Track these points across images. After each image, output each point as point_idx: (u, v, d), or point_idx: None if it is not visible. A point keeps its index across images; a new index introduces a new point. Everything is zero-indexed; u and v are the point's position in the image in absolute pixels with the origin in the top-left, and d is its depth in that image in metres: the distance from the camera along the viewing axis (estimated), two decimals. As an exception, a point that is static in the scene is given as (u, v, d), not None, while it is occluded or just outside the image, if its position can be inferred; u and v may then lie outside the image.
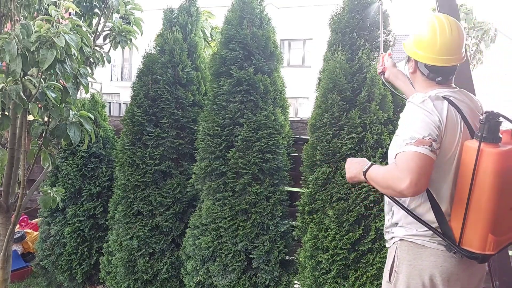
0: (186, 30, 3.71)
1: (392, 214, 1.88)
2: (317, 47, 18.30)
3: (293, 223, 3.21)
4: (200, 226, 3.34)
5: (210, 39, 4.34)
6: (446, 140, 1.67)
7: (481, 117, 1.63)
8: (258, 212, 3.17)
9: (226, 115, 3.27)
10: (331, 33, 3.11)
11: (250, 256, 3.18)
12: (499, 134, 1.62)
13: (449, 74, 1.81)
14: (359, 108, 2.87)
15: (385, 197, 1.90)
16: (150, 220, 3.52)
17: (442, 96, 1.72)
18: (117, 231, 3.63)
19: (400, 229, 1.83)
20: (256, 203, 3.18)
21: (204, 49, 3.95)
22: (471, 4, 8.10)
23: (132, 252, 3.52)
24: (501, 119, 1.65)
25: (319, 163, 2.96)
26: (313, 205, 2.96)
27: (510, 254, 2.74)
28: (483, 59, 8.60)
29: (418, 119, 1.65)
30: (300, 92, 17.10)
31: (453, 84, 1.87)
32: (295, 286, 3.30)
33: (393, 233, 1.87)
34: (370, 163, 1.78)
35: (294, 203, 3.16)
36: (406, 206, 1.78)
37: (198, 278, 3.33)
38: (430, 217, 1.74)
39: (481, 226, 1.62)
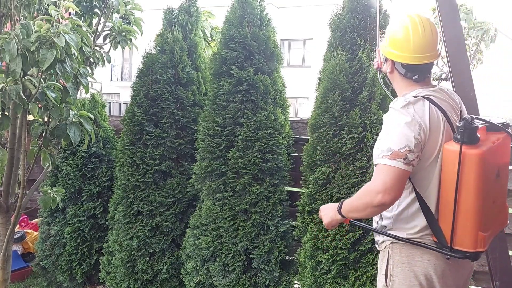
0: (186, 30, 3.71)
1: (381, 217, 1.88)
2: (317, 47, 18.29)
3: (293, 223, 3.21)
4: (200, 226, 3.33)
5: (210, 39, 4.34)
6: (429, 142, 1.68)
7: (458, 124, 1.63)
8: (258, 212, 3.17)
9: (227, 115, 3.27)
10: (331, 33, 3.11)
11: (250, 256, 3.18)
12: (477, 134, 1.64)
13: (426, 72, 1.82)
14: (360, 108, 2.87)
15: None
16: (150, 220, 3.52)
17: (422, 96, 1.72)
18: (117, 231, 3.63)
19: (391, 231, 1.83)
20: (256, 203, 3.18)
21: (204, 49, 3.95)
22: (471, 4, 8.10)
23: (132, 252, 3.51)
24: (478, 121, 1.67)
25: (319, 163, 2.96)
26: (313, 205, 2.96)
27: (510, 254, 2.73)
28: (483, 59, 8.60)
29: (397, 129, 1.66)
30: (300, 92, 17.10)
31: (432, 82, 1.87)
32: (295, 286, 3.30)
33: (383, 236, 1.87)
34: (340, 201, 1.83)
35: (294, 203, 3.16)
36: (383, 219, 1.84)
37: (198, 278, 3.33)
38: (419, 217, 1.75)
39: (471, 226, 1.64)
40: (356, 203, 1.74)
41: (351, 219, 1.90)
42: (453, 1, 2.74)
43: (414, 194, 1.75)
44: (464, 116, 1.66)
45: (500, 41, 9.85)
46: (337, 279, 2.84)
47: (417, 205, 1.75)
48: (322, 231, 2.90)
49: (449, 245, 1.67)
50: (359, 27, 2.98)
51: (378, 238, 1.92)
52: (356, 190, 2.78)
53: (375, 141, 2.77)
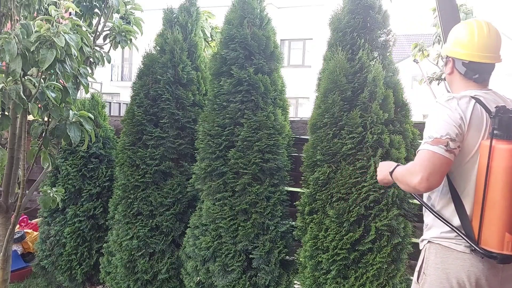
0: (186, 30, 3.71)
1: (425, 215, 1.93)
2: (317, 47, 18.30)
3: (293, 223, 3.21)
4: (200, 226, 3.33)
5: (210, 39, 4.34)
6: (468, 138, 1.70)
7: (492, 111, 1.66)
8: (258, 212, 3.16)
9: (227, 115, 3.27)
10: (331, 33, 3.11)
11: (250, 256, 3.18)
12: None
13: (486, 73, 1.85)
14: (360, 108, 2.87)
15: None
16: (150, 220, 3.52)
17: (471, 96, 1.75)
18: (117, 231, 3.63)
19: (429, 231, 1.88)
20: (256, 203, 3.18)
21: (204, 49, 3.94)
22: (471, 4, 8.09)
23: (132, 253, 3.51)
24: None
25: (319, 163, 2.96)
26: (313, 205, 2.96)
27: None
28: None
29: (439, 119, 1.71)
30: (300, 92, 17.11)
31: (488, 86, 1.90)
32: (295, 286, 3.30)
33: (423, 235, 1.92)
34: (396, 164, 1.87)
35: (294, 203, 3.15)
36: (430, 207, 1.84)
37: (198, 278, 3.33)
38: (454, 218, 1.77)
39: (497, 225, 1.64)
40: (400, 176, 1.79)
41: None
42: (453, 1, 2.75)
43: (450, 195, 1.77)
44: (497, 105, 1.68)
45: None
46: (337, 279, 2.84)
47: (452, 206, 1.77)
48: (322, 231, 2.90)
49: (476, 241, 1.68)
50: (359, 27, 2.98)
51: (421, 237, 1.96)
52: (356, 190, 2.80)
53: (375, 141, 2.80)
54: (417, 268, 1.91)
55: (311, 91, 3.81)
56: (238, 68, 3.26)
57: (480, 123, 1.72)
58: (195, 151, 3.47)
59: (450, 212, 1.79)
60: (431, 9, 7.86)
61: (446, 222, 1.77)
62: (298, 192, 3.24)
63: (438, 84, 8.39)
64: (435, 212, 1.82)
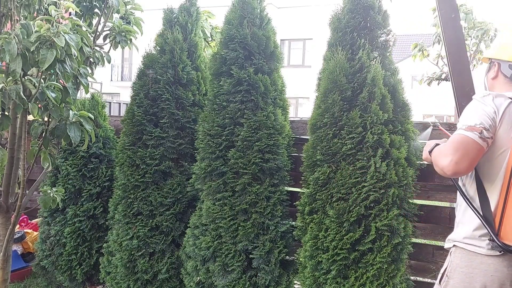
0: (186, 30, 3.71)
1: (456, 210, 1.95)
2: (317, 47, 18.31)
3: (293, 223, 3.21)
4: (200, 226, 3.33)
5: (210, 39, 4.34)
6: (500, 132, 1.72)
7: None
8: (258, 212, 3.17)
9: (227, 115, 3.27)
10: (331, 33, 3.11)
11: (250, 256, 3.18)
12: None
13: None
14: (360, 108, 2.87)
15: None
16: (150, 220, 3.52)
17: (508, 96, 1.78)
18: (117, 231, 3.63)
19: (455, 232, 1.89)
20: (256, 203, 3.18)
21: (204, 49, 3.94)
22: (471, 4, 8.09)
23: (132, 252, 3.51)
24: None
25: (319, 163, 2.96)
26: (313, 205, 2.96)
27: None
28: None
29: (473, 110, 1.75)
30: (300, 92, 17.12)
31: None
32: (295, 286, 3.30)
33: (451, 234, 1.93)
34: (435, 144, 1.90)
35: (294, 203, 3.16)
36: (466, 195, 1.85)
37: (198, 278, 3.33)
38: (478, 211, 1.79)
39: None
40: (434, 156, 1.82)
41: None
42: (453, 1, 2.75)
43: (476, 191, 1.79)
44: None
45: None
46: (337, 279, 2.84)
47: (477, 200, 1.79)
48: (322, 231, 2.90)
49: (496, 236, 1.69)
50: (359, 27, 2.98)
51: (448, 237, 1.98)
52: (356, 190, 2.80)
53: (375, 141, 2.80)
54: (441, 270, 1.93)
55: (311, 91, 3.81)
56: (238, 68, 3.26)
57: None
58: (195, 151, 3.47)
59: (475, 205, 1.81)
60: (431, 9, 7.86)
61: (475, 210, 1.78)
62: (298, 192, 3.24)
63: (438, 84, 8.39)
64: (467, 200, 1.83)
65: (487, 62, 2.02)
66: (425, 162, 2.95)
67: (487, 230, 1.73)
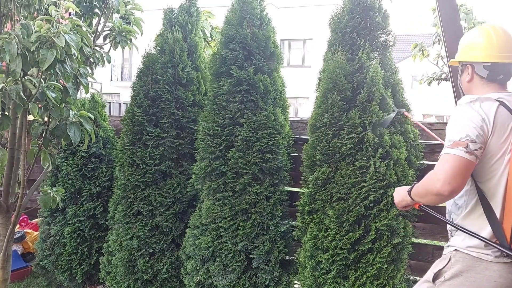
0: (186, 30, 3.71)
1: (451, 220, 1.89)
2: (317, 47, 18.31)
3: (293, 223, 3.21)
4: (200, 226, 3.34)
5: (210, 39, 4.34)
6: (493, 140, 1.68)
7: None
8: (258, 212, 3.17)
9: (226, 115, 3.27)
10: (331, 33, 3.11)
11: (250, 256, 3.18)
12: None
13: (509, 74, 1.83)
14: (359, 108, 2.87)
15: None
16: (150, 220, 3.52)
17: (495, 99, 1.73)
18: (117, 231, 3.63)
19: (457, 238, 1.84)
20: (256, 203, 3.18)
21: (204, 49, 3.95)
22: (471, 4, 8.09)
23: (132, 252, 3.52)
24: None
25: (319, 163, 2.96)
26: (313, 205, 2.96)
27: None
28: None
29: (459, 121, 1.70)
30: (300, 92, 17.11)
31: (508, 88, 1.88)
32: (295, 286, 3.30)
33: (450, 241, 1.88)
34: (413, 184, 1.84)
35: (294, 203, 3.16)
36: (453, 222, 1.82)
37: (198, 278, 3.33)
38: (482, 223, 1.74)
39: None
40: (421, 188, 1.75)
41: (421, 205, 1.93)
42: (453, 1, 2.75)
43: (477, 197, 1.74)
44: None
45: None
46: (337, 279, 2.84)
47: (481, 209, 1.74)
48: (322, 231, 2.90)
49: (508, 244, 1.64)
50: (359, 28, 2.98)
51: (449, 239, 1.93)
52: (356, 190, 2.80)
53: (375, 142, 2.80)
54: (434, 268, 1.88)
55: (311, 91, 3.81)
56: (238, 68, 3.26)
57: (504, 126, 1.69)
58: (195, 151, 3.48)
59: (477, 217, 1.75)
60: (431, 9, 7.85)
61: (471, 233, 1.74)
62: (298, 192, 3.24)
63: (438, 84, 8.39)
64: (458, 226, 1.79)
65: (458, 65, 1.96)
66: (425, 163, 2.95)
67: (497, 248, 1.68)
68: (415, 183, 1.83)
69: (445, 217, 1.95)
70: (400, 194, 1.93)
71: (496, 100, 1.72)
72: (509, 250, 1.65)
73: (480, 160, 1.67)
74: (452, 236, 1.90)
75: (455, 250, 1.83)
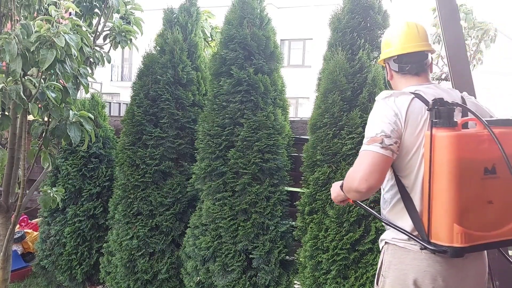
0: (186, 30, 3.71)
1: (382, 214, 1.89)
2: (317, 47, 18.30)
3: (293, 223, 3.21)
4: (200, 226, 3.33)
5: (210, 39, 4.34)
6: (407, 133, 1.67)
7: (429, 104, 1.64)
8: (258, 212, 3.17)
9: (226, 115, 3.27)
10: (331, 33, 3.11)
11: (250, 256, 3.18)
12: (454, 119, 1.59)
13: (416, 63, 1.84)
14: (360, 108, 2.87)
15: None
16: (150, 220, 3.52)
17: (410, 92, 1.73)
18: (117, 231, 3.63)
19: (387, 232, 1.84)
20: (256, 203, 3.18)
21: (204, 49, 3.95)
22: (471, 4, 8.09)
23: (132, 252, 3.51)
24: (452, 107, 1.62)
25: (319, 163, 2.96)
26: (313, 205, 2.96)
27: (510, 253, 2.73)
28: (483, 59, 8.60)
29: (374, 117, 1.72)
30: (300, 92, 17.09)
31: (430, 80, 1.88)
32: (295, 286, 3.30)
33: (382, 234, 1.87)
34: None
35: (294, 203, 3.16)
36: (380, 215, 1.82)
37: (198, 278, 3.33)
38: (404, 217, 1.73)
39: (445, 216, 1.58)
40: (345, 185, 1.76)
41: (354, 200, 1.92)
42: (453, 1, 2.75)
43: (399, 194, 1.74)
44: (435, 98, 1.65)
45: (500, 41, 9.85)
46: (337, 279, 2.84)
47: (402, 203, 1.73)
48: (322, 231, 2.90)
49: (427, 237, 1.63)
50: (358, 28, 2.98)
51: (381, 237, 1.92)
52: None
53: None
54: (377, 271, 1.86)
55: (311, 91, 3.81)
56: (238, 68, 3.26)
57: (418, 119, 1.68)
58: (195, 151, 3.48)
59: (399, 210, 1.75)
60: (431, 9, 7.86)
61: (393, 225, 1.74)
62: (298, 192, 3.24)
63: (438, 83, 8.39)
64: (383, 218, 1.80)
65: (383, 65, 2.00)
66: None
67: (416, 240, 1.67)
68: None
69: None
70: (335, 190, 1.93)
71: (412, 93, 1.72)
72: (428, 243, 1.63)
73: (398, 155, 1.67)
74: (380, 238, 1.89)
75: (386, 243, 1.82)
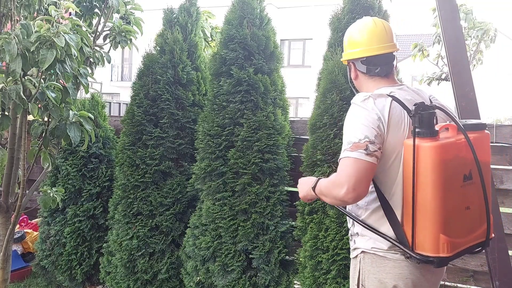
0: (186, 30, 3.71)
1: (353, 223, 1.81)
2: (317, 47, 18.30)
3: (293, 223, 3.21)
4: (200, 226, 3.34)
5: (210, 39, 4.34)
6: (389, 138, 1.61)
7: (411, 109, 1.58)
8: (258, 212, 3.17)
9: (226, 115, 3.27)
10: (331, 33, 3.11)
11: (250, 256, 3.18)
12: (436, 128, 1.56)
13: (386, 64, 1.79)
14: (359, 108, 2.87)
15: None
16: (150, 220, 3.52)
17: (386, 94, 1.67)
18: (117, 231, 3.63)
19: (362, 240, 1.76)
20: (256, 203, 3.18)
21: (204, 49, 3.95)
22: (471, 4, 8.10)
23: (132, 252, 3.51)
24: (435, 111, 1.59)
25: (319, 163, 2.96)
26: (313, 205, 2.96)
27: (510, 254, 2.73)
28: (483, 59, 8.60)
29: (356, 121, 1.63)
30: (300, 92, 17.10)
31: (398, 81, 1.84)
32: (295, 286, 3.30)
33: (355, 243, 1.80)
34: (317, 178, 1.76)
35: (294, 203, 3.16)
36: (360, 219, 1.74)
37: (198, 278, 3.33)
38: (384, 225, 1.67)
39: (431, 227, 1.54)
40: (325, 189, 1.67)
41: None
42: (453, 1, 2.75)
43: (378, 201, 1.67)
44: (416, 102, 1.59)
45: (500, 41, 9.85)
46: (337, 279, 2.84)
47: (381, 212, 1.67)
48: (322, 231, 2.90)
49: (410, 247, 1.58)
50: (359, 27, 2.98)
51: (351, 244, 1.85)
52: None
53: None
54: (354, 282, 1.79)
55: (311, 91, 3.81)
56: (238, 68, 3.26)
57: (399, 122, 1.62)
58: (195, 151, 3.48)
59: (379, 218, 1.68)
60: (431, 9, 7.86)
61: (378, 232, 1.67)
62: (298, 192, 3.24)
63: (438, 84, 8.39)
64: (365, 224, 1.71)
65: (346, 64, 1.94)
66: None
67: (401, 248, 1.61)
68: (319, 178, 1.75)
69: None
70: (304, 190, 1.83)
71: (388, 96, 1.66)
72: (413, 252, 1.57)
73: (379, 160, 1.60)
74: (354, 240, 1.81)
75: (363, 252, 1.75)
